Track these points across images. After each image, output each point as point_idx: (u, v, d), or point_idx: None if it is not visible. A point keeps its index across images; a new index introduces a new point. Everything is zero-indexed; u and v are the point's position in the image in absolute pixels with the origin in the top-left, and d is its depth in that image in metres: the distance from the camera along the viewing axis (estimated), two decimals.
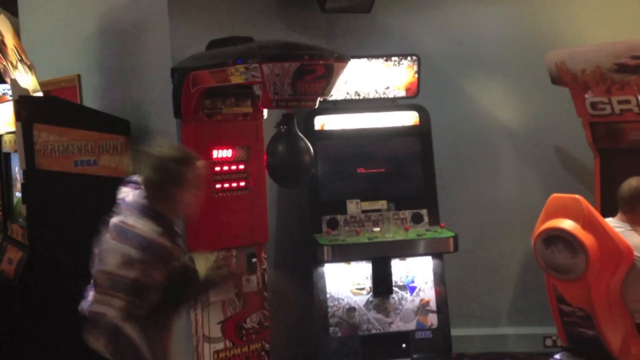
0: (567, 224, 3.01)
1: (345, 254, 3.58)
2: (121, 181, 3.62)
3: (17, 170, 3.67)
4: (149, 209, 2.24)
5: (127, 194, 2.35)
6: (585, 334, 3.12)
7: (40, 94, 3.59)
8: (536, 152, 4.27)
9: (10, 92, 3.54)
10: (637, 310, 3.06)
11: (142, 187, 2.29)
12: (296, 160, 2.86)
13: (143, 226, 2.17)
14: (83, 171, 3.39)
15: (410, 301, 3.70)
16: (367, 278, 3.68)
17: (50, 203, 3.30)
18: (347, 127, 3.91)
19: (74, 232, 3.34)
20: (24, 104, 3.27)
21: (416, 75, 3.91)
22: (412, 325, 3.69)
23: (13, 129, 3.37)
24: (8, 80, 3.61)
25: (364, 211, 3.79)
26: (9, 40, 3.50)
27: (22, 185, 3.32)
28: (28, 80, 3.53)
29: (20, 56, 3.52)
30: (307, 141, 2.90)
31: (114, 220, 2.25)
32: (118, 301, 2.14)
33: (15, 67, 3.56)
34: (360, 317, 3.66)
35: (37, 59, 3.70)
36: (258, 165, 3.37)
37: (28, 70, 3.53)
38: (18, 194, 3.65)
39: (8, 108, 3.44)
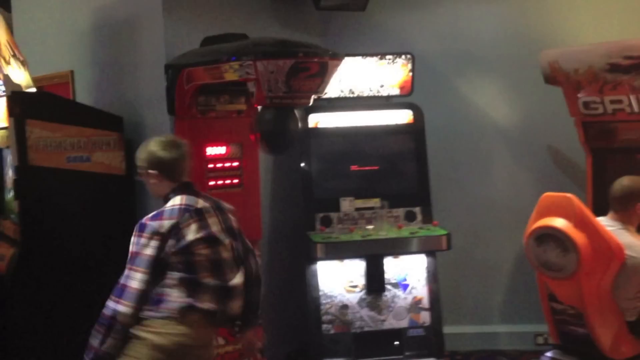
0: (559, 223, 3.03)
1: (339, 251, 3.59)
2: (114, 177, 3.64)
3: (9, 166, 3.65)
4: None
5: None
6: (576, 331, 3.14)
7: (33, 89, 3.57)
8: (529, 151, 4.28)
9: (3, 88, 3.52)
10: (627, 308, 3.08)
11: None
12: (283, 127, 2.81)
13: None
14: (76, 167, 3.37)
15: (403, 299, 3.72)
16: (360, 275, 3.68)
17: (42, 199, 3.29)
18: (341, 125, 3.91)
19: (66, 229, 3.34)
20: (16, 99, 3.25)
21: (410, 73, 3.92)
22: (404, 323, 3.70)
23: (6, 124, 3.35)
24: (1, 75, 3.59)
25: (357, 209, 3.80)
26: (2, 36, 3.48)
27: (15, 181, 3.30)
28: (21, 76, 3.51)
29: (13, 51, 3.50)
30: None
31: None
32: None
33: (8, 63, 3.54)
34: (353, 314, 3.67)
35: (30, 55, 3.68)
36: (251, 162, 3.37)
37: (21, 66, 3.52)
38: (10, 190, 3.64)
39: (1, 104, 3.42)
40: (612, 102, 3.51)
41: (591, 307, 3.02)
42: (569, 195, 3.07)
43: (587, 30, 4.05)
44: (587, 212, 3.04)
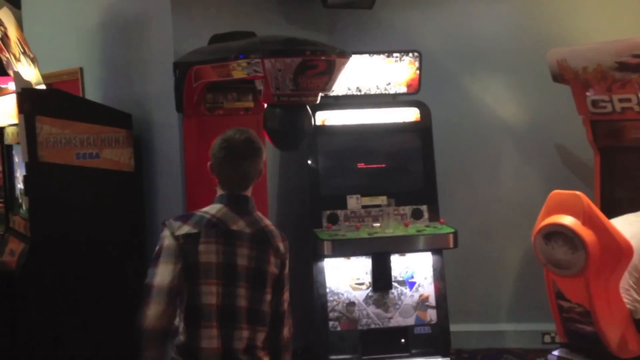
0: (568, 220, 3.02)
1: (345, 248, 3.60)
2: (123, 174, 3.60)
3: (19, 163, 3.68)
4: None
5: None
6: (583, 330, 3.13)
7: (43, 86, 3.60)
8: (537, 149, 4.28)
9: (13, 85, 3.56)
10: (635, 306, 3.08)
11: None
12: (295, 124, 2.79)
13: None
14: (85, 164, 3.40)
15: (409, 296, 3.72)
16: (366, 273, 3.69)
17: (52, 195, 3.32)
18: (348, 123, 3.92)
19: (75, 225, 3.37)
20: (26, 96, 3.28)
21: (417, 71, 3.92)
22: (411, 321, 3.70)
23: (16, 121, 3.38)
24: (11, 72, 3.62)
25: (364, 206, 3.80)
26: (12, 33, 3.51)
27: (25, 177, 3.34)
28: (31, 73, 3.54)
29: (23, 49, 3.53)
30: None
31: None
32: None
33: (18, 60, 3.57)
34: (359, 311, 3.67)
35: (40, 52, 3.71)
36: None
37: (31, 63, 3.54)
38: (20, 186, 3.67)
39: (11, 100, 3.45)
40: (620, 100, 3.50)
41: (599, 305, 3.02)
42: (578, 193, 3.06)
43: (596, 28, 4.03)
44: (596, 209, 3.04)
